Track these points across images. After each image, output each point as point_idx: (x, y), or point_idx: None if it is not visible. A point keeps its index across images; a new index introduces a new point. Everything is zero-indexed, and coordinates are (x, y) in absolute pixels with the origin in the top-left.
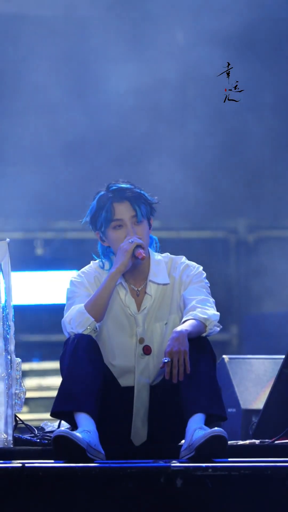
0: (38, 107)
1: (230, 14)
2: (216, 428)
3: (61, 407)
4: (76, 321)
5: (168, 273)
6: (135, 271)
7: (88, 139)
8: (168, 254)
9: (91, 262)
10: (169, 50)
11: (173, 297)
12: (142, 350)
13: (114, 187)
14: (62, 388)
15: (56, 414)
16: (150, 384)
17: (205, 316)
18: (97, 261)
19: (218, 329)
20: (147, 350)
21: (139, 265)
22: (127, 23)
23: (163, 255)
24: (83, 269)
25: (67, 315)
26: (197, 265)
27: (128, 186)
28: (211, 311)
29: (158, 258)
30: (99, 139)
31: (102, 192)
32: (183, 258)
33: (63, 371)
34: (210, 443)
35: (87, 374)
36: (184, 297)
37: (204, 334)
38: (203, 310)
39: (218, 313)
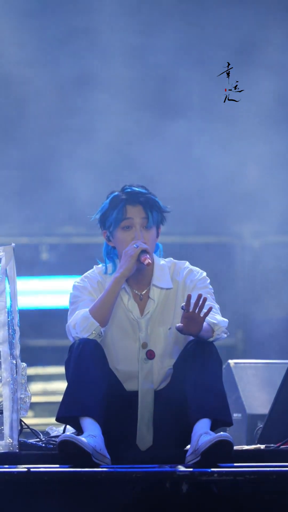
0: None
1: None
2: (222, 433)
3: (67, 412)
4: (81, 326)
5: (171, 277)
6: (139, 275)
7: (95, 144)
8: (171, 258)
9: (94, 266)
10: None
11: (177, 302)
12: (146, 355)
13: (128, 190)
14: (67, 393)
15: (62, 419)
16: (154, 389)
17: (214, 321)
18: (100, 265)
19: (225, 335)
20: (150, 355)
21: (143, 270)
22: None
23: (166, 259)
24: (86, 274)
25: (72, 320)
26: (200, 270)
27: (143, 190)
28: (219, 317)
29: (162, 263)
30: (106, 145)
31: (116, 193)
32: (186, 263)
33: (68, 376)
34: (215, 448)
35: (92, 379)
36: None
37: (210, 339)
38: (212, 315)
39: (227, 320)
